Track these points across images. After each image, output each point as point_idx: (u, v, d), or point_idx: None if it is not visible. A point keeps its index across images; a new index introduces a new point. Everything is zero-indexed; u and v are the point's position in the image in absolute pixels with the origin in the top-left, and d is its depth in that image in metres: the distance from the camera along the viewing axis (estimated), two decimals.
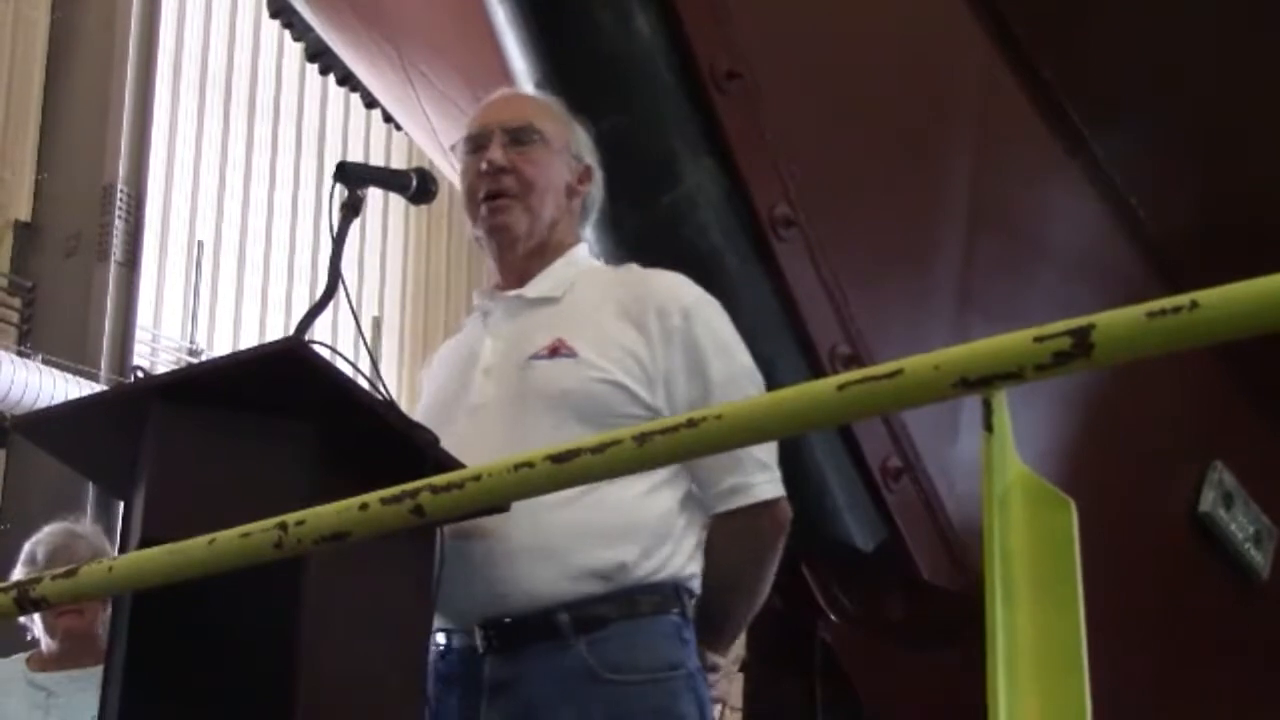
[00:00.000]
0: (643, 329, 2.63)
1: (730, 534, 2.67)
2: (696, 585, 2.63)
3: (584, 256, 2.84)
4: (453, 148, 2.89)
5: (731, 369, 2.66)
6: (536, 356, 2.63)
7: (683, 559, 2.60)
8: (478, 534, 2.50)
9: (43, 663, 4.42)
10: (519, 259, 2.76)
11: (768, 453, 2.67)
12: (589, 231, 3.19)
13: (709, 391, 2.59)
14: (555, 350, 2.62)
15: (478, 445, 2.39)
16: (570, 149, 2.82)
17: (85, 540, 4.36)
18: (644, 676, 2.52)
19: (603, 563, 2.51)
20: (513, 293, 2.75)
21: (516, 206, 2.73)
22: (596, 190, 2.88)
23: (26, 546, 4.41)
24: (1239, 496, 3.89)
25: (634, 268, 2.84)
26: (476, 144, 2.78)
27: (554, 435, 2.40)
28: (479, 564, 2.51)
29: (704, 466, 2.62)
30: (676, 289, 2.71)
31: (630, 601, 2.53)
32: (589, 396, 2.55)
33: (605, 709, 2.49)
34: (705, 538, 2.67)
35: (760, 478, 2.66)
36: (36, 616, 4.35)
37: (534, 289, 2.74)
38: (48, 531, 4.48)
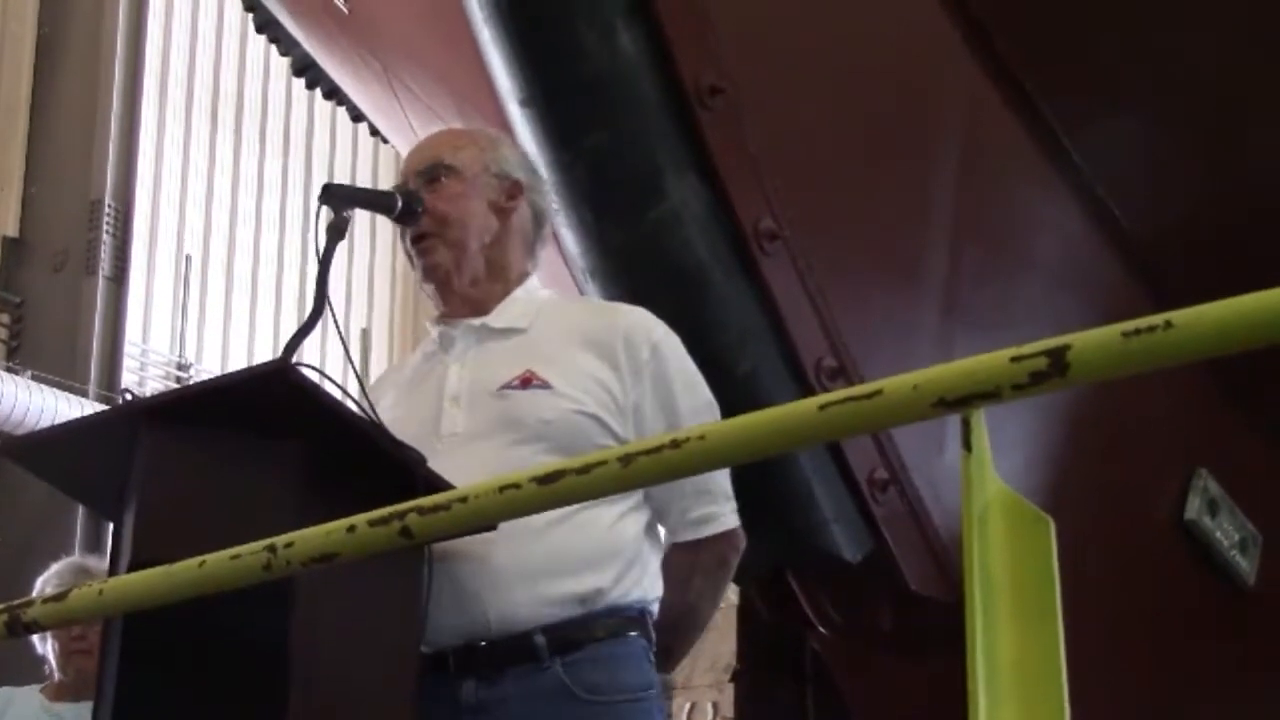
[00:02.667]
0: (612, 362, 2.67)
1: (695, 561, 2.75)
2: (656, 609, 2.70)
3: (538, 287, 2.86)
4: None
5: (696, 403, 2.72)
6: (508, 387, 2.65)
7: (649, 583, 2.67)
8: (454, 558, 2.52)
9: (58, 692, 4.56)
10: (464, 289, 2.78)
11: (728, 483, 2.75)
12: (573, 246, 3.21)
13: (676, 424, 2.63)
14: (527, 381, 2.64)
15: (456, 473, 2.40)
16: (491, 169, 2.84)
17: (93, 576, 4.36)
18: (620, 697, 2.57)
19: (581, 587, 2.57)
20: (477, 321, 2.76)
21: (439, 244, 2.75)
22: (542, 200, 2.91)
23: (38, 583, 4.47)
24: (1224, 504, 3.90)
25: (595, 300, 2.88)
26: None
27: (532, 463, 2.43)
28: (457, 588, 2.54)
29: (675, 496, 2.70)
30: (644, 323, 2.75)
31: (603, 624, 2.59)
32: (568, 427, 2.59)
33: None
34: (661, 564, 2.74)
35: (727, 507, 2.75)
36: (50, 652, 4.45)
37: (500, 318, 2.76)
38: (56, 569, 4.54)
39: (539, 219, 2.89)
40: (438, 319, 2.84)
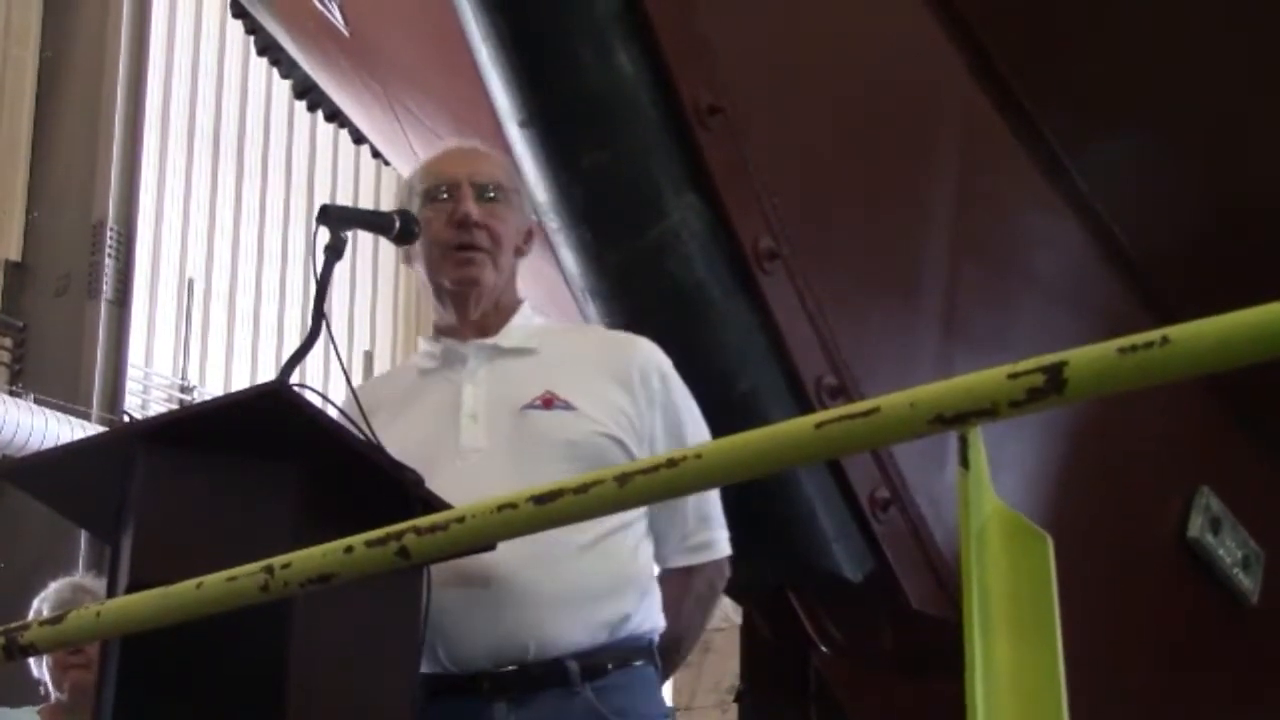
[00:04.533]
0: (629, 389, 2.71)
1: (688, 587, 2.78)
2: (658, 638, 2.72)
3: (532, 314, 2.87)
4: (411, 192, 2.85)
5: (700, 433, 2.77)
6: (530, 406, 2.67)
7: (656, 612, 2.70)
8: (491, 581, 2.53)
9: (55, 714, 4.49)
10: (479, 311, 2.79)
11: (721, 509, 2.79)
12: (572, 266, 3.21)
13: None
14: (549, 402, 2.67)
15: (477, 490, 2.39)
16: (524, 210, 2.88)
17: (91, 595, 4.35)
18: None
19: (613, 614, 2.60)
20: (488, 341, 2.77)
21: (488, 262, 2.75)
22: (529, 251, 2.92)
23: (35, 603, 4.45)
24: (1227, 521, 3.89)
25: (596, 328, 2.92)
26: (443, 194, 2.78)
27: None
28: (493, 611, 2.55)
29: (677, 520, 2.73)
30: (654, 355, 2.79)
31: (624, 652, 2.61)
32: (594, 448, 2.62)
33: None
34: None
35: (722, 535, 2.79)
36: (45, 670, 4.42)
37: (508, 339, 2.77)
38: (54, 588, 4.52)
39: (516, 264, 2.90)
40: (441, 335, 2.82)
